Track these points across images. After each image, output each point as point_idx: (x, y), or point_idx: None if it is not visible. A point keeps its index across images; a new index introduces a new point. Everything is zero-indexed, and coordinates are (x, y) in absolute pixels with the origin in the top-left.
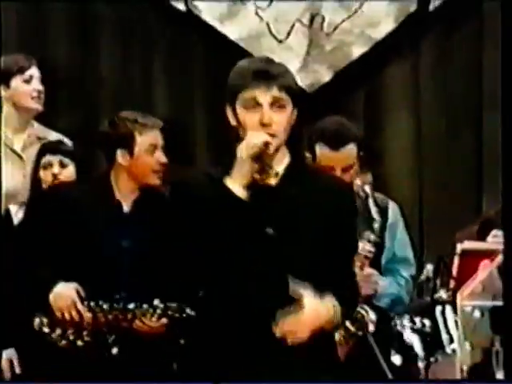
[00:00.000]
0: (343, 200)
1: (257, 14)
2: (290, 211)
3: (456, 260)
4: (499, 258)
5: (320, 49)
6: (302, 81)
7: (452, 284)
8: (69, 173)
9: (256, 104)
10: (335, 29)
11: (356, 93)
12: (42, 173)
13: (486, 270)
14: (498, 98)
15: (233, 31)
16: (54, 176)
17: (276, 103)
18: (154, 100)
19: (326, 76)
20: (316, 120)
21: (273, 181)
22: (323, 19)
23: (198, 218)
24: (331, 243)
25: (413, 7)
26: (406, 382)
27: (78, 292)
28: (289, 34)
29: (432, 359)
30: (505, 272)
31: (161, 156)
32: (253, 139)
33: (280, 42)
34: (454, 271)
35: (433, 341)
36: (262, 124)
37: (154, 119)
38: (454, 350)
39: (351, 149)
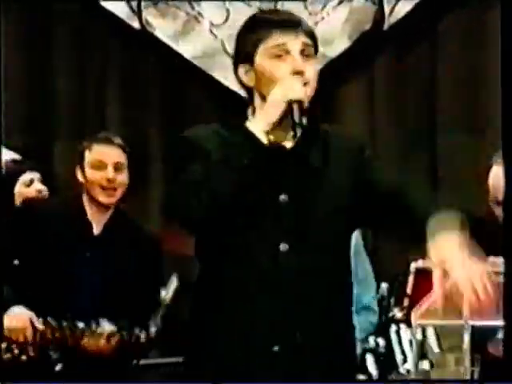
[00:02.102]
0: (357, 161)
1: (211, 31)
2: (304, 177)
3: (410, 278)
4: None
5: None
6: None
7: (406, 303)
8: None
9: (285, 52)
10: None
11: (311, 110)
12: (22, 190)
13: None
14: (450, 117)
15: (187, 49)
16: (39, 192)
17: (305, 51)
18: (108, 117)
19: None
20: None
21: (289, 143)
22: None
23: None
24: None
25: (367, 26)
26: (406, 382)
27: (31, 320)
28: None
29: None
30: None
31: (109, 172)
32: (293, 87)
33: None
34: (409, 290)
35: (386, 360)
36: (295, 72)
37: (106, 135)
38: (408, 371)
39: None
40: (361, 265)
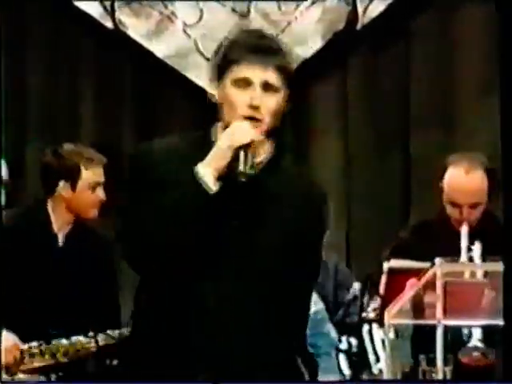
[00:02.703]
0: (313, 209)
1: (184, 31)
2: (259, 206)
3: (383, 278)
4: (425, 277)
5: None
6: None
7: (379, 302)
8: None
9: (248, 83)
10: None
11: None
12: None
13: (413, 288)
14: (424, 116)
15: (160, 49)
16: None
17: (269, 85)
18: (81, 117)
19: None
20: None
21: (251, 171)
22: None
23: (159, 202)
24: (293, 254)
25: (340, 25)
26: (403, 382)
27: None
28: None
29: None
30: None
31: (101, 193)
32: (239, 133)
33: (208, 59)
34: (382, 290)
35: (359, 360)
36: (250, 106)
37: (99, 155)
38: (380, 370)
39: None
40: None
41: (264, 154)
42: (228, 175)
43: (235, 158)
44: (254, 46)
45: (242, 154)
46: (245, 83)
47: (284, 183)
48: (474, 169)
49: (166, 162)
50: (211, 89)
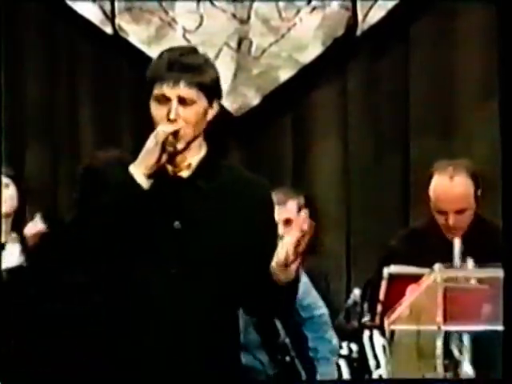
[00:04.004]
0: (256, 198)
1: (184, 37)
2: (199, 205)
3: (383, 284)
4: (426, 283)
5: (248, 72)
6: (230, 105)
7: (379, 308)
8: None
9: (165, 99)
10: (263, 52)
11: (284, 116)
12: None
13: (413, 294)
14: (423, 122)
15: None
16: None
17: (184, 99)
18: (80, 123)
19: (254, 100)
20: (242, 143)
21: (185, 173)
22: (251, 43)
23: (103, 204)
24: (243, 241)
25: (340, 32)
26: (403, 381)
27: None
28: (216, 57)
29: None
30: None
31: None
32: (161, 128)
33: None
34: (382, 295)
35: (360, 366)
36: (168, 119)
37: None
38: (380, 376)
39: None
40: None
41: (196, 155)
42: (162, 175)
43: (168, 159)
44: (172, 63)
45: (166, 153)
46: (164, 99)
47: (220, 182)
48: (457, 174)
49: (109, 171)
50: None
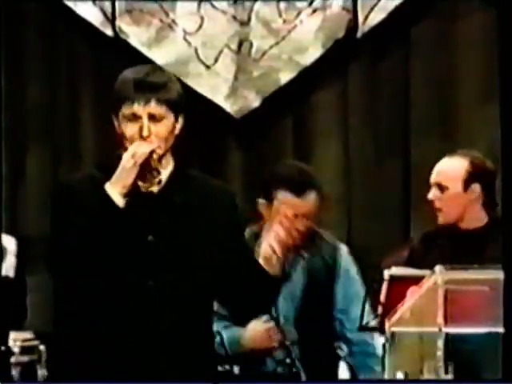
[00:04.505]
0: (225, 207)
1: (185, 39)
2: (171, 218)
3: (384, 286)
4: (427, 285)
5: (248, 74)
6: (231, 106)
7: (380, 310)
8: None
9: (135, 117)
10: (263, 54)
11: (284, 118)
12: None
13: (414, 296)
14: (424, 124)
15: (160, 56)
16: None
17: (154, 116)
18: (81, 125)
19: (255, 102)
20: (243, 145)
21: (156, 188)
22: (251, 45)
23: (77, 222)
24: (216, 251)
25: (340, 33)
26: (402, 382)
27: None
28: (217, 59)
29: None
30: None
31: None
32: (139, 148)
33: (208, 67)
34: (382, 297)
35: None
36: (140, 136)
37: None
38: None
39: (314, 196)
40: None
41: (165, 170)
42: (134, 191)
43: (139, 175)
44: (139, 83)
45: (141, 171)
46: (134, 117)
47: (190, 194)
48: (460, 155)
49: (82, 189)
50: (114, 122)
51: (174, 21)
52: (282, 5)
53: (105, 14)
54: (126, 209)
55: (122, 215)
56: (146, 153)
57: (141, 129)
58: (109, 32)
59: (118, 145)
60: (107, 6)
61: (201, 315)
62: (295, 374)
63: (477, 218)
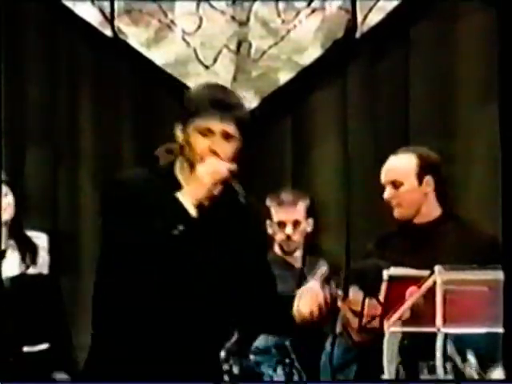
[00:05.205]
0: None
1: (184, 39)
2: (219, 233)
3: (383, 286)
4: (426, 285)
5: (247, 75)
6: None
7: (379, 310)
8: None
9: (208, 131)
10: (262, 55)
11: (283, 118)
12: None
13: (413, 296)
14: (423, 124)
15: (159, 56)
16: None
17: (227, 134)
18: (80, 125)
19: (253, 102)
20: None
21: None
22: (250, 45)
23: (144, 223)
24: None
25: (339, 34)
26: (405, 381)
27: None
28: (216, 59)
29: None
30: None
31: None
32: (219, 167)
33: (207, 67)
34: (381, 298)
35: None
36: (211, 151)
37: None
38: (380, 377)
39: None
40: None
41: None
42: (204, 205)
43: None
44: (216, 101)
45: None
46: (207, 132)
47: (236, 213)
48: (405, 152)
49: (142, 192)
50: (176, 130)
51: (172, 21)
52: (281, 5)
53: (104, 14)
54: (198, 219)
55: (194, 223)
56: (227, 173)
57: (213, 144)
58: (108, 32)
59: (173, 152)
60: (106, 6)
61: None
62: (295, 373)
63: (431, 210)
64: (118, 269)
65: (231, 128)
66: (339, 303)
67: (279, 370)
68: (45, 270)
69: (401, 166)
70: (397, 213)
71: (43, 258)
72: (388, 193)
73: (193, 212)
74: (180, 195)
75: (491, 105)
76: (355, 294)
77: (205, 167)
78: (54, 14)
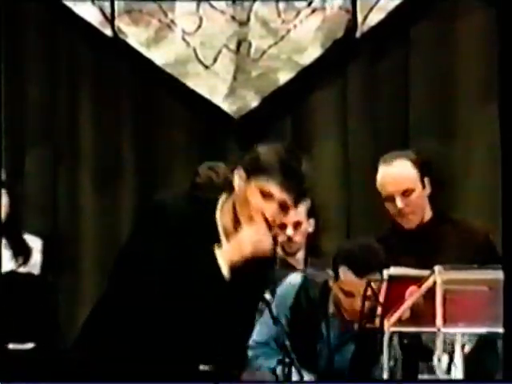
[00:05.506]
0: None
1: (184, 39)
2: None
3: (383, 286)
4: (426, 285)
5: (247, 74)
6: (229, 106)
7: (379, 310)
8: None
9: (269, 195)
10: (262, 54)
11: (283, 118)
12: None
13: (413, 296)
14: (423, 124)
15: (159, 56)
16: None
17: (285, 203)
18: (80, 124)
19: (253, 101)
20: (241, 147)
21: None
22: (250, 45)
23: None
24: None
25: (340, 33)
26: (405, 382)
27: None
28: (215, 59)
29: None
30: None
31: None
32: (264, 239)
33: (207, 67)
34: (381, 297)
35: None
36: (262, 215)
37: None
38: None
39: (376, 277)
40: None
41: None
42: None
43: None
44: (288, 170)
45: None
46: (268, 195)
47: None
48: (396, 159)
49: (180, 226)
50: (237, 174)
51: (172, 21)
52: (281, 5)
53: (104, 14)
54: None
55: (227, 285)
56: (268, 247)
57: (268, 210)
58: (108, 32)
59: (218, 176)
60: (106, 6)
61: None
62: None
63: (427, 212)
64: (133, 286)
65: (290, 199)
66: (330, 283)
67: (279, 370)
68: (36, 271)
69: (405, 173)
70: (408, 221)
71: (36, 259)
72: (401, 202)
73: (226, 274)
74: (218, 252)
75: (491, 105)
76: (346, 274)
77: (251, 234)
78: (54, 14)
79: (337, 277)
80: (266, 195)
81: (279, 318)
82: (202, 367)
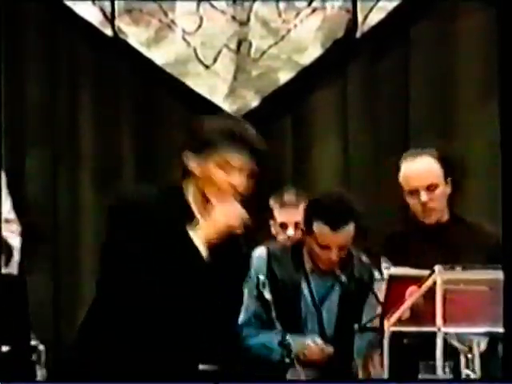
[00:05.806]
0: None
1: (184, 39)
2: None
3: (383, 286)
4: (426, 285)
5: (247, 74)
6: (229, 106)
7: (379, 310)
8: None
9: (228, 166)
10: (262, 54)
11: (283, 118)
12: None
13: (413, 295)
14: (424, 123)
15: (160, 56)
16: None
17: (246, 168)
18: (80, 126)
19: (253, 101)
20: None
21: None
22: (250, 45)
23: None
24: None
25: (340, 33)
26: (404, 382)
27: None
28: (216, 59)
29: None
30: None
31: None
32: (237, 213)
33: (207, 67)
34: (382, 297)
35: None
36: (230, 186)
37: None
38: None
39: (350, 228)
40: None
41: None
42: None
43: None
44: (235, 134)
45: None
46: (227, 166)
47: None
48: (421, 155)
49: (152, 216)
50: (187, 158)
51: (173, 21)
52: (282, 5)
53: (104, 13)
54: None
55: (205, 264)
56: (242, 221)
57: (233, 179)
58: (108, 32)
59: (187, 173)
60: (106, 5)
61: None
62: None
63: (445, 212)
64: (119, 284)
65: (251, 163)
66: (305, 237)
67: (279, 370)
68: (15, 271)
69: (430, 168)
70: (429, 216)
71: (15, 258)
72: (425, 197)
73: (204, 253)
74: (193, 233)
75: (491, 105)
76: (321, 229)
77: (224, 210)
78: (54, 14)
79: (310, 230)
80: (225, 167)
81: (258, 291)
82: (201, 367)
